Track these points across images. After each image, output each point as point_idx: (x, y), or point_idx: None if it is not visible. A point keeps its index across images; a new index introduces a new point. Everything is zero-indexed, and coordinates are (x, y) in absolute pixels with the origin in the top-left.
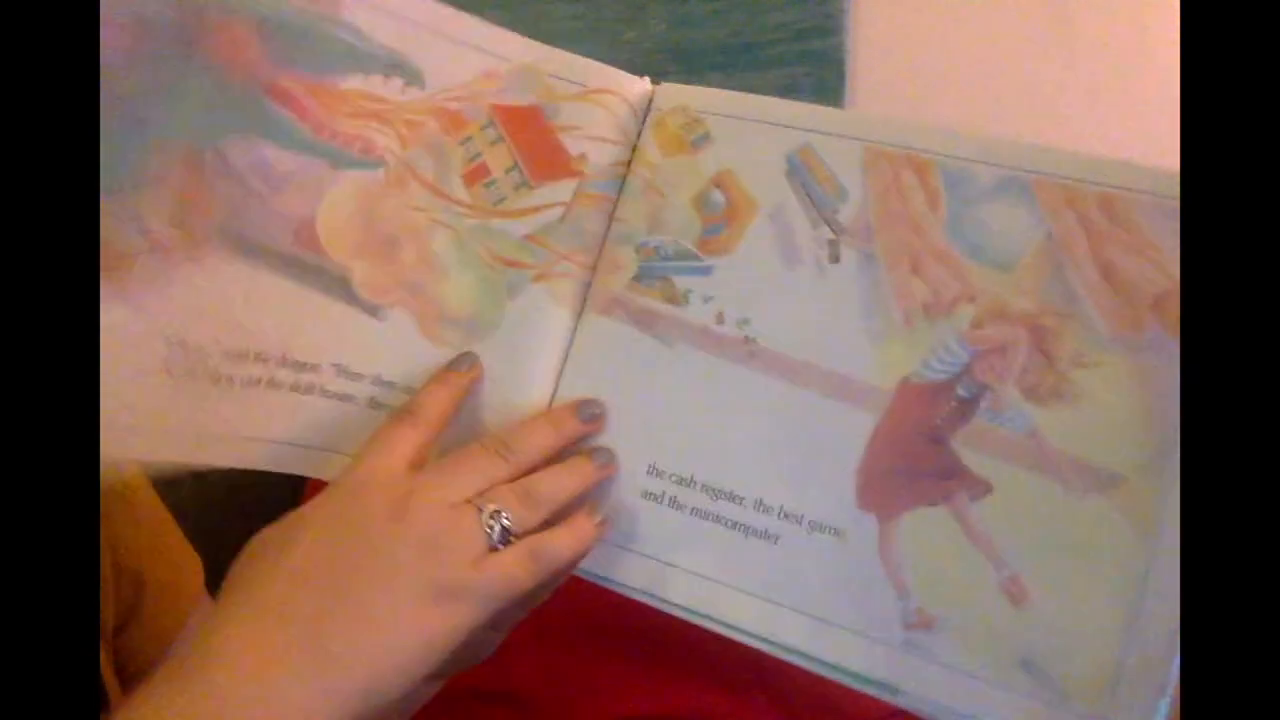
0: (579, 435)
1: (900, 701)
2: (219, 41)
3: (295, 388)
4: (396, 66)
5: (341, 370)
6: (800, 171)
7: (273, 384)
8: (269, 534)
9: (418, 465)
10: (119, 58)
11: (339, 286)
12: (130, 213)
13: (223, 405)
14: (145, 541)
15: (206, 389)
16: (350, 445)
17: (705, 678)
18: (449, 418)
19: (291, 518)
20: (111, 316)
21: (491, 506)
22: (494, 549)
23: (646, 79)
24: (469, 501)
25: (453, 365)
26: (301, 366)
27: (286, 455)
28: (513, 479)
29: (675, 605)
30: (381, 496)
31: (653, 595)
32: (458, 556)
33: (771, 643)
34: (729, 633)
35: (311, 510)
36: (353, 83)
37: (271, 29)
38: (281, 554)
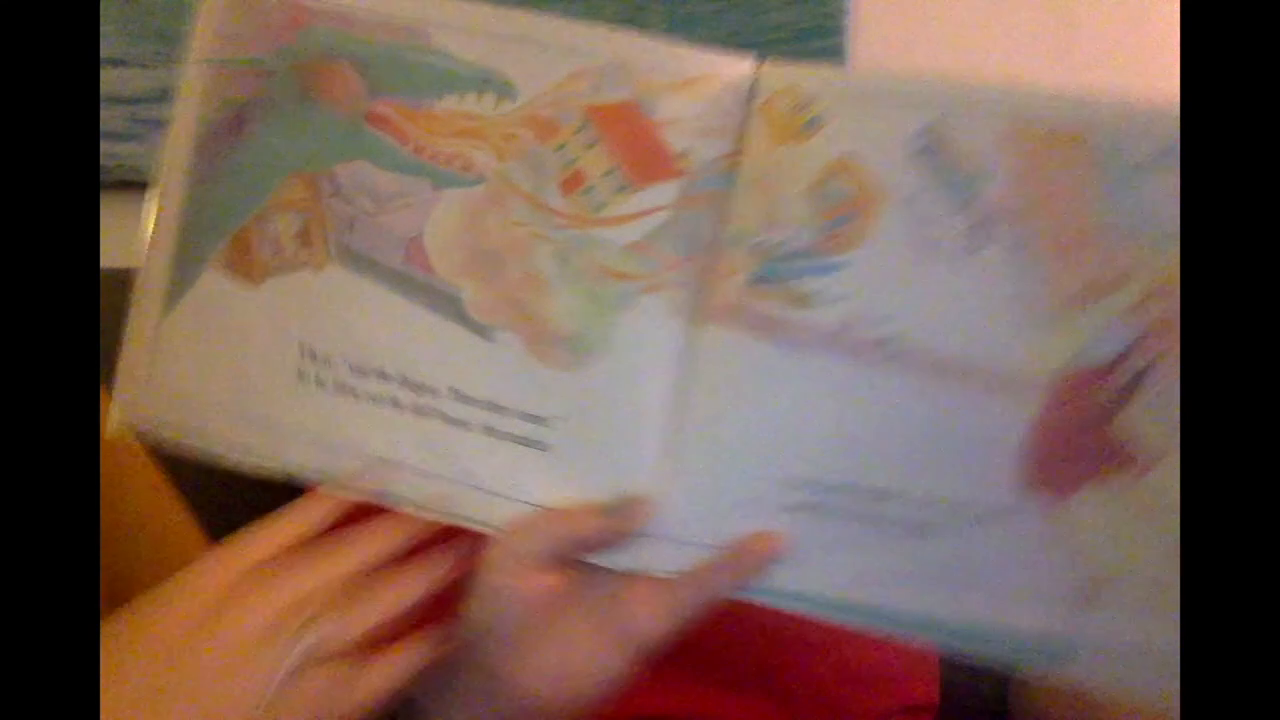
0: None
1: (1071, 673)
2: (326, 82)
3: (416, 410)
4: (487, 82)
5: (458, 394)
6: (932, 153)
7: (396, 404)
8: (114, 619)
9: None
10: (252, 106)
11: (450, 306)
12: (270, 233)
13: (350, 419)
14: (143, 512)
15: (335, 400)
16: (469, 476)
17: (707, 678)
18: (327, 524)
19: (135, 602)
20: (257, 323)
21: (304, 619)
22: (294, 675)
23: (749, 59)
24: (286, 613)
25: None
26: (420, 388)
27: (409, 482)
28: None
29: (845, 609)
30: (194, 602)
31: (818, 602)
32: (245, 694)
33: (944, 630)
34: (899, 630)
35: (141, 603)
36: (448, 104)
37: (369, 65)
38: (105, 650)
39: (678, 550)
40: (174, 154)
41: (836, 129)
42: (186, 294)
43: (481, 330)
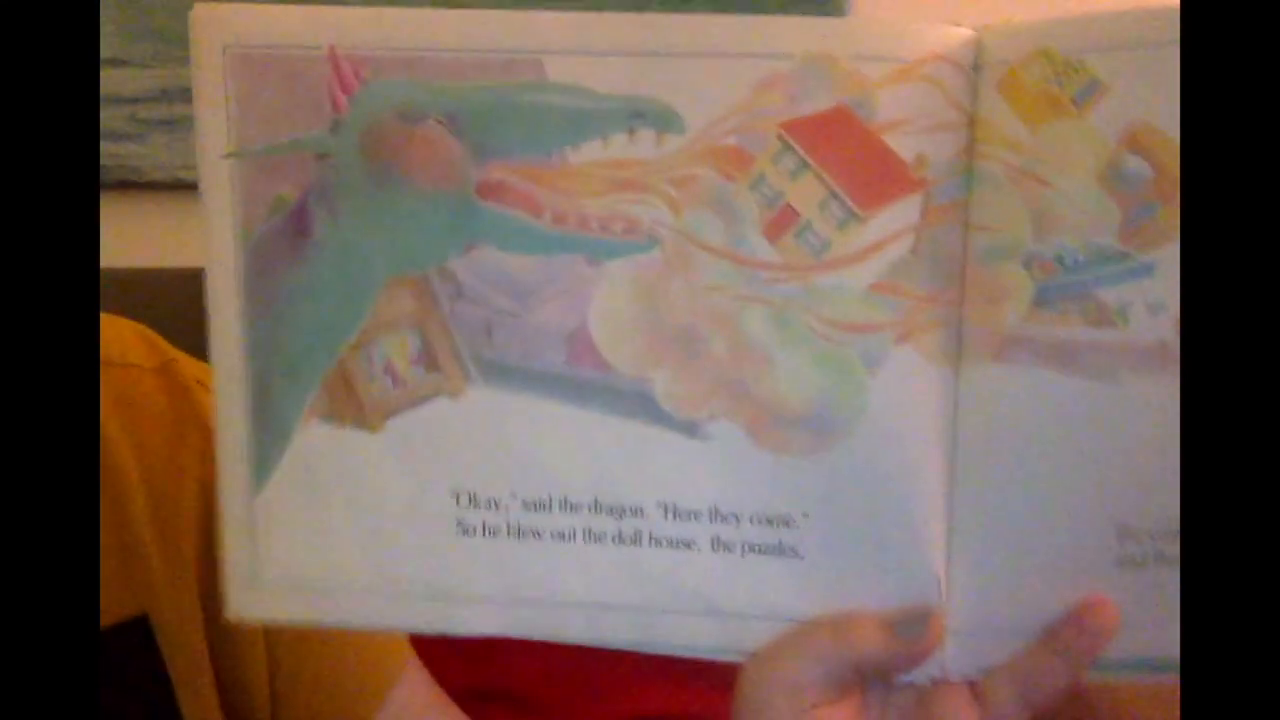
0: None
1: None
2: (410, 154)
3: (620, 539)
4: (639, 115)
5: (671, 510)
6: None
7: (592, 536)
8: None
9: None
10: (313, 202)
11: (640, 405)
12: (380, 362)
13: (536, 566)
14: None
15: (513, 548)
16: (700, 601)
17: (707, 678)
18: None
19: None
20: (389, 477)
21: None
22: None
23: (965, 26)
24: None
25: None
26: (621, 511)
27: (622, 623)
28: None
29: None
30: None
31: (1150, 666)
32: None
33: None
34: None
35: None
36: (589, 153)
37: (466, 121)
38: None
39: (987, 643)
40: (218, 286)
41: (1124, 91)
42: (280, 460)
43: (686, 427)
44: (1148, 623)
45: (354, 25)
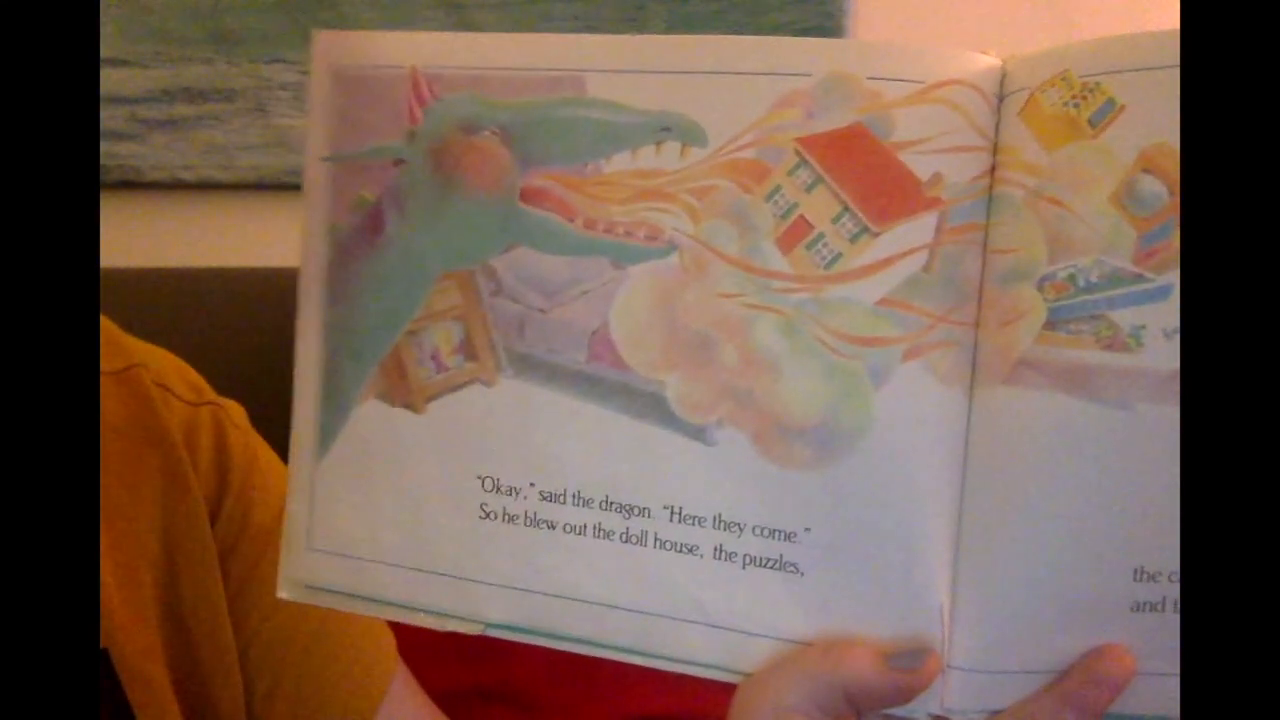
0: None
1: None
2: (467, 162)
3: (627, 537)
4: (667, 129)
5: (677, 514)
6: None
7: (602, 533)
8: None
9: None
10: (388, 203)
11: (653, 407)
12: (428, 350)
13: (549, 557)
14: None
15: (529, 537)
16: (699, 611)
17: (706, 679)
18: None
19: None
20: (426, 456)
21: None
22: None
23: (993, 53)
24: None
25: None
26: (630, 511)
27: (621, 625)
28: None
29: None
30: None
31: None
32: None
33: None
34: None
35: None
36: (619, 163)
37: (516, 133)
38: None
39: (992, 683)
40: (309, 274)
41: (1139, 112)
42: (340, 433)
43: (695, 432)
44: (1163, 674)
45: (430, 47)
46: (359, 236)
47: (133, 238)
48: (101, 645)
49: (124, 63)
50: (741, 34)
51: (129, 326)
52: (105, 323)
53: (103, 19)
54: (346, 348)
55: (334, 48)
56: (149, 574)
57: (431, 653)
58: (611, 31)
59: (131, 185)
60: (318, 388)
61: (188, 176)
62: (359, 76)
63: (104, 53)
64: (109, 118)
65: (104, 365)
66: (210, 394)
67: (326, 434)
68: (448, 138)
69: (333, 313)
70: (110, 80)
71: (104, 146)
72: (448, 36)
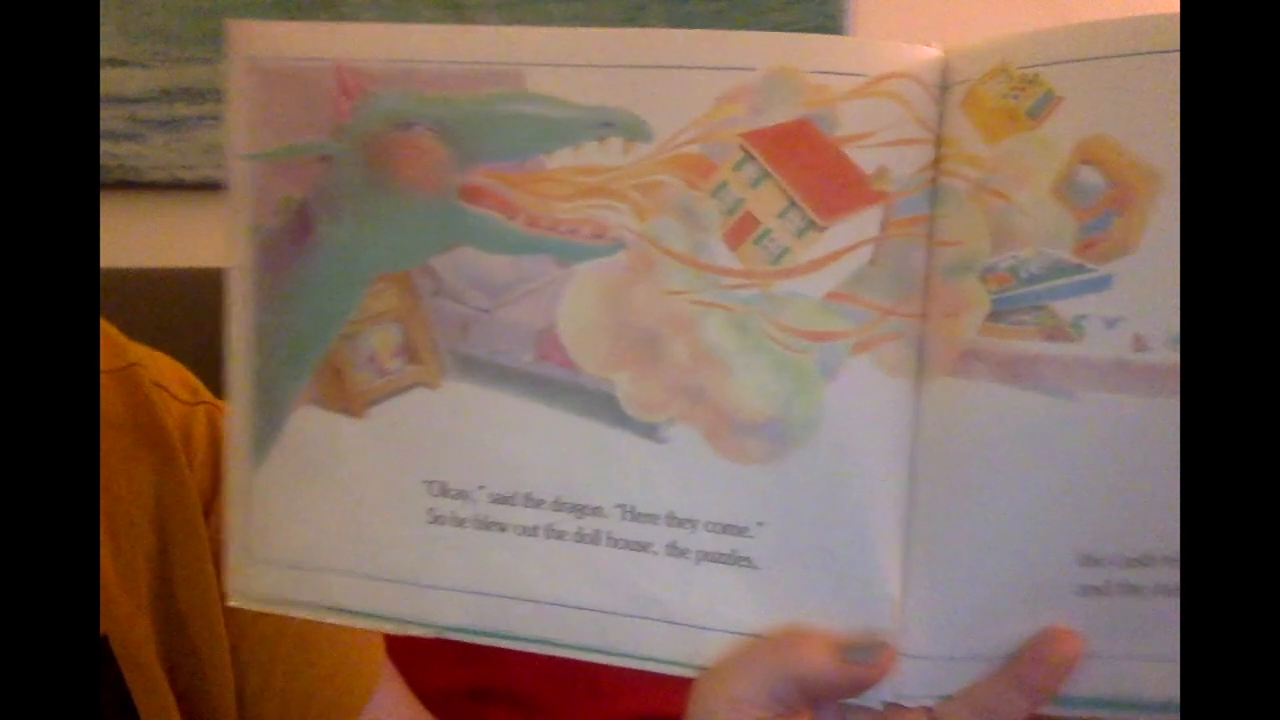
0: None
1: None
2: (401, 159)
3: (580, 537)
4: (609, 125)
5: (629, 511)
6: None
7: (554, 533)
8: None
9: None
10: (316, 202)
11: (603, 406)
12: (366, 353)
13: (501, 559)
14: None
15: (480, 540)
16: (654, 607)
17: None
18: None
19: None
20: (368, 462)
21: None
22: None
23: (934, 46)
24: None
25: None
26: (582, 510)
27: (578, 624)
28: None
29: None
30: None
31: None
32: None
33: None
34: None
35: None
36: (561, 159)
37: (453, 129)
38: None
39: (944, 669)
40: (235, 275)
41: (1077, 103)
42: (276, 440)
43: (646, 430)
44: (1111, 656)
45: (357, 39)
46: (287, 237)
47: (133, 238)
48: (101, 632)
49: (124, 63)
50: None
51: (129, 326)
52: (105, 325)
53: (103, 19)
54: (279, 353)
55: (252, 39)
56: (145, 565)
57: (427, 653)
58: None
59: (131, 185)
60: (251, 393)
61: (188, 176)
62: (280, 70)
63: (104, 53)
64: (109, 118)
65: (103, 364)
66: (206, 394)
67: (262, 441)
68: (379, 134)
69: (263, 316)
70: (110, 80)
71: (104, 146)
72: (376, 28)
